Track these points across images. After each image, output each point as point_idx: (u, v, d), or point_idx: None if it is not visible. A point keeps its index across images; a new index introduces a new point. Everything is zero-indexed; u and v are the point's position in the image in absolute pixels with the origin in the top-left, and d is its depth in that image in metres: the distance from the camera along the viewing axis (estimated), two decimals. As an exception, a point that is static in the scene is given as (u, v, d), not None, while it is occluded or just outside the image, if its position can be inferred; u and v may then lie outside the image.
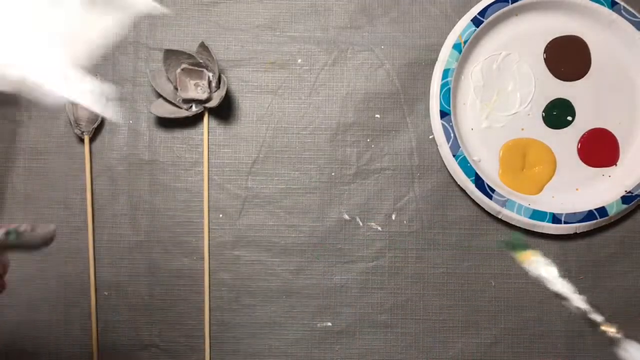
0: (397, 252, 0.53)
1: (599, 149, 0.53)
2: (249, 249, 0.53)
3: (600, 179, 0.53)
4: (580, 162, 0.53)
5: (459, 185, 0.53)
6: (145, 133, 0.54)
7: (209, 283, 0.52)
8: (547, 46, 0.54)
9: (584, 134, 0.53)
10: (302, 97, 0.54)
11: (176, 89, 0.53)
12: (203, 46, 0.51)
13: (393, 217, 0.53)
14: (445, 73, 0.52)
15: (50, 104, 0.38)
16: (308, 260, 0.53)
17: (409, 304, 0.53)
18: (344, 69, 0.54)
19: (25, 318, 0.52)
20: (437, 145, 0.53)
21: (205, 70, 0.52)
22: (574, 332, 0.52)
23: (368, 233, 0.53)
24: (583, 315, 0.33)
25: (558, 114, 0.54)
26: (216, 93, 0.52)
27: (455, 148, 0.52)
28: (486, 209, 0.52)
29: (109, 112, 0.41)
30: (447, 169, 0.53)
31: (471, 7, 0.54)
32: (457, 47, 0.52)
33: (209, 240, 0.53)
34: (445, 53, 0.53)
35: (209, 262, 0.53)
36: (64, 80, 0.38)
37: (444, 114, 0.52)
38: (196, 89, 0.53)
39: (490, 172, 0.53)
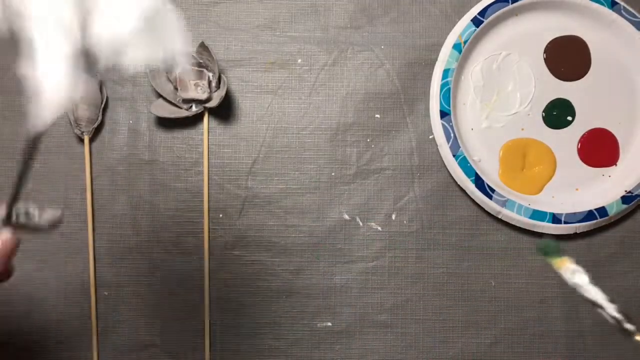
0: (397, 252, 0.53)
1: (599, 149, 0.53)
2: (249, 249, 0.53)
3: (600, 179, 0.53)
4: (580, 162, 0.53)
5: (459, 185, 0.53)
6: (145, 133, 0.54)
7: (209, 283, 0.52)
8: (547, 46, 0.54)
9: (584, 134, 0.53)
10: (302, 97, 0.54)
11: (176, 89, 0.53)
12: (203, 46, 0.51)
13: (393, 217, 0.53)
14: (445, 73, 0.52)
15: None
16: (308, 260, 0.53)
17: (409, 304, 0.53)
18: (344, 69, 0.54)
19: (25, 318, 0.52)
20: (437, 145, 0.53)
21: (205, 70, 0.52)
22: (574, 332, 0.52)
23: (368, 233, 0.53)
24: (618, 324, 0.33)
25: (558, 114, 0.54)
26: (216, 93, 0.52)
27: (455, 148, 0.52)
28: (486, 209, 0.52)
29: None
30: (447, 169, 0.53)
31: (471, 7, 0.54)
32: (457, 47, 0.52)
33: (209, 240, 0.53)
34: (445, 53, 0.53)
35: (209, 262, 0.53)
36: None
37: (444, 114, 0.52)
38: (196, 89, 0.53)
39: (490, 172, 0.53)
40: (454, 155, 0.52)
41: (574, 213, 0.51)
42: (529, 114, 0.53)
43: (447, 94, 0.52)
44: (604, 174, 0.53)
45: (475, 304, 0.53)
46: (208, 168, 0.53)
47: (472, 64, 0.54)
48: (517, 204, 0.51)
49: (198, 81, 0.53)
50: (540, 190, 0.53)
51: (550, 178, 0.53)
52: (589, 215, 0.51)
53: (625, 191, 0.52)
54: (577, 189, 0.53)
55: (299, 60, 0.54)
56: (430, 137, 0.54)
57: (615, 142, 0.54)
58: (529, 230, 0.52)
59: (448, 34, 0.54)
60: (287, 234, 0.53)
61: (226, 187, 0.53)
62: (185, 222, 0.53)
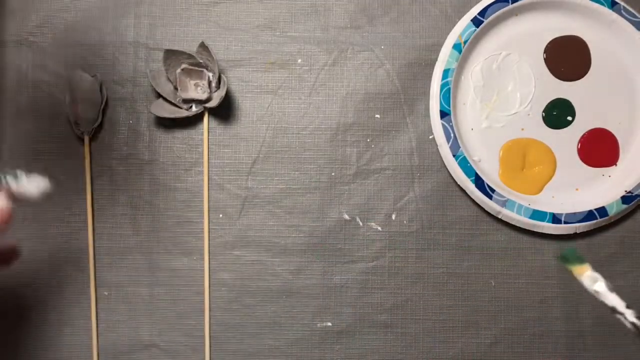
0: (397, 252, 0.53)
1: (599, 149, 0.53)
2: (249, 249, 0.53)
3: (600, 179, 0.53)
4: (580, 162, 0.53)
5: (459, 185, 0.53)
6: (145, 133, 0.54)
7: (209, 283, 0.52)
8: (547, 46, 0.54)
9: (584, 134, 0.53)
10: (302, 97, 0.54)
11: (176, 89, 0.53)
12: (203, 46, 0.51)
13: (393, 217, 0.53)
14: (445, 73, 0.52)
15: None
16: (308, 260, 0.53)
17: (409, 304, 0.53)
18: (344, 69, 0.54)
19: (25, 318, 0.52)
20: (437, 145, 0.53)
21: (205, 70, 0.52)
22: (574, 332, 0.52)
23: (368, 233, 0.53)
24: (636, 329, 0.34)
25: (558, 114, 0.54)
26: (216, 93, 0.52)
27: (455, 148, 0.52)
28: (486, 209, 0.52)
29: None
30: (447, 169, 0.53)
31: (471, 7, 0.54)
32: (457, 47, 0.52)
33: (209, 240, 0.53)
34: (445, 53, 0.53)
35: (209, 262, 0.53)
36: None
37: (444, 114, 0.52)
38: (196, 89, 0.53)
39: (490, 172, 0.53)
40: (454, 155, 0.52)
41: (574, 213, 0.51)
42: (529, 114, 0.53)
43: (447, 94, 0.52)
44: (604, 174, 0.53)
45: (475, 304, 0.53)
46: (208, 168, 0.53)
47: (472, 64, 0.54)
48: (517, 204, 0.51)
49: (198, 81, 0.53)
50: (540, 190, 0.53)
51: (550, 178, 0.53)
52: (589, 215, 0.51)
53: (625, 191, 0.52)
54: (577, 189, 0.53)
55: (299, 60, 0.54)
56: (430, 137, 0.54)
57: (615, 142, 0.54)
58: (529, 230, 0.52)
59: (448, 34, 0.54)
60: (287, 234, 0.53)
61: (226, 187, 0.53)
62: (185, 222, 0.53)
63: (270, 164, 0.54)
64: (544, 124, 0.53)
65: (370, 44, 0.54)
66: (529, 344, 0.52)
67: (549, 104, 0.54)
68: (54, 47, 0.54)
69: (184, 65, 0.52)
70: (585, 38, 0.54)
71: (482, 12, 0.53)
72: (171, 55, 0.52)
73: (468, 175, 0.51)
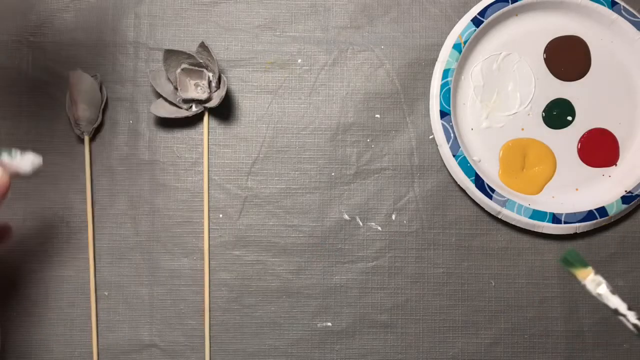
0: (397, 252, 0.53)
1: (599, 149, 0.53)
2: (249, 249, 0.53)
3: (600, 179, 0.53)
4: (580, 162, 0.53)
5: (459, 185, 0.53)
6: (145, 133, 0.54)
7: (209, 283, 0.52)
8: (547, 46, 0.54)
9: (584, 134, 0.53)
10: (302, 97, 0.54)
11: (176, 89, 0.53)
12: (203, 46, 0.51)
13: (393, 217, 0.53)
14: (445, 73, 0.52)
15: None
16: (308, 260, 0.53)
17: (409, 304, 0.53)
18: (344, 69, 0.54)
19: (25, 318, 0.52)
20: (437, 145, 0.53)
21: (205, 70, 0.52)
22: (574, 332, 0.52)
23: (368, 233, 0.53)
24: (638, 331, 0.35)
25: (558, 114, 0.54)
26: (216, 93, 0.52)
27: (455, 148, 0.52)
28: (486, 209, 0.52)
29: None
30: (447, 169, 0.53)
31: (471, 7, 0.54)
32: (457, 47, 0.52)
33: (209, 240, 0.53)
34: (445, 53, 0.53)
35: (209, 262, 0.53)
36: None
37: (444, 114, 0.52)
38: (196, 89, 0.53)
39: (490, 172, 0.53)
40: (454, 155, 0.52)
41: (574, 213, 0.51)
42: (529, 114, 0.53)
43: (447, 94, 0.52)
44: (604, 174, 0.53)
45: (475, 304, 0.53)
46: (208, 168, 0.53)
47: (472, 64, 0.54)
48: (517, 204, 0.51)
49: (198, 81, 0.53)
50: (540, 190, 0.53)
51: (550, 178, 0.53)
52: (589, 215, 0.51)
53: (625, 191, 0.52)
54: (577, 189, 0.53)
55: (299, 60, 0.54)
56: (430, 137, 0.54)
57: (615, 142, 0.54)
58: (529, 230, 0.53)
59: (448, 34, 0.54)
60: (287, 234, 0.53)
61: (226, 187, 0.53)
62: (185, 222, 0.53)
63: (270, 164, 0.54)
64: (544, 124, 0.53)
65: (370, 44, 0.54)
66: (529, 344, 0.52)
67: (549, 104, 0.54)
68: (54, 47, 0.54)
69: (184, 65, 0.52)
70: (585, 38, 0.54)
71: (482, 12, 0.53)
72: (171, 55, 0.52)
73: (468, 175, 0.51)
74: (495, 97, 0.54)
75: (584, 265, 0.37)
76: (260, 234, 0.53)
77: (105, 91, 0.54)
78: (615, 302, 0.36)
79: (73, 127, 0.53)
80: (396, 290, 0.53)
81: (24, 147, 0.53)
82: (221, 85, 0.52)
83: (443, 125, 0.52)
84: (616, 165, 0.53)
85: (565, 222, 0.51)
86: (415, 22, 0.55)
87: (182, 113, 0.52)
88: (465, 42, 0.53)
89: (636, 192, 0.52)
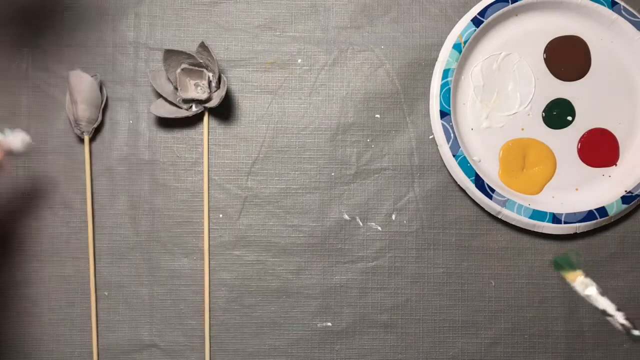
0: (397, 252, 0.53)
1: (599, 149, 0.53)
2: (249, 249, 0.53)
3: (600, 179, 0.53)
4: (580, 162, 0.53)
5: (459, 185, 0.53)
6: (145, 133, 0.54)
7: (209, 283, 0.52)
8: (547, 46, 0.54)
9: (584, 134, 0.53)
10: (302, 97, 0.54)
11: (176, 89, 0.53)
12: (203, 46, 0.51)
13: (393, 217, 0.53)
14: (445, 73, 0.52)
15: None
16: (308, 260, 0.53)
17: (409, 304, 0.53)
18: (344, 69, 0.54)
19: (25, 318, 0.52)
20: (437, 145, 0.53)
21: (205, 70, 0.52)
22: (574, 332, 0.52)
23: (368, 233, 0.53)
24: (626, 331, 0.35)
25: (558, 114, 0.54)
26: (216, 93, 0.52)
27: (455, 148, 0.52)
28: (486, 209, 0.52)
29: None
30: (447, 169, 0.53)
31: (471, 7, 0.54)
32: (457, 47, 0.52)
33: (209, 240, 0.53)
34: (445, 53, 0.53)
35: (209, 262, 0.53)
36: None
37: (444, 114, 0.52)
38: (196, 89, 0.53)
39: (490, 172, 0.53)
40: (454, 155, 0.52)
41: (574, 213, 0.51)
42: (529, 114, 0.53)
43: (447, 94, 0.52)
44: (604, 174, 0.53)
45: (475, 304, 0.53)
46: (208, 168, 0.53)
47: (472, 64, 0.54)
48: (517, 204, 0.51)
49: (198, 81, 0.53)
50: (540, 190, 0.53)
51: (550, 178, 0.53)
52: (589, 215, 0.51)
53: (625, 191, 0.52)
54: (577, 189, 0.53)
55: (299, 60, 0.54)
56: (430, 137, 0.54)
57: (615, 142, 0.54)
58: (529, 230, 0.53)
59: (448, 34, 0.54)
60: (287, 234, 0.53)
61: (226, 187, 0.53)
62: (185, 222, 0.53)
63: (270, 164, 0.54)
64: (544, 124, 0.53)
65: (370, 44, 0.54)
66: (529, 344, 0.52)
67: (549, 104, 0.54)
68: (54, 47, 0.54)
69: (184, 65, 0.52)
70: (585, 38, 0.54)
71: (482, 12, 0.53)
72: (171, 55, 0.52)
73: (468, 175, 0.51)
74: (495, 97, 0.54)
75: (574, 268, 0.38)
76: (260, 234, 0.53)
77: (105, 91, 0.54)
78: (603, 303, 0.36)
79: (73, 127, 0.53)
80: (396, 290, 0.53)
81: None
82: (221, 85, 0.52)
83: (443, 125, 0.52)
84: (616, 165, 0.53)
85: (565, 222, 0.51)
86: (415, 22, 0.55)
87: (182, 113, 0.52)
88: (465, 42, 0.53)
89: (636, 192, 0.52)
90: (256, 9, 0.55)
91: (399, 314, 0.53)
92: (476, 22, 0.52)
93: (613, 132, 0.53)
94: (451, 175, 0.53)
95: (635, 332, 0.36)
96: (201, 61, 0.52)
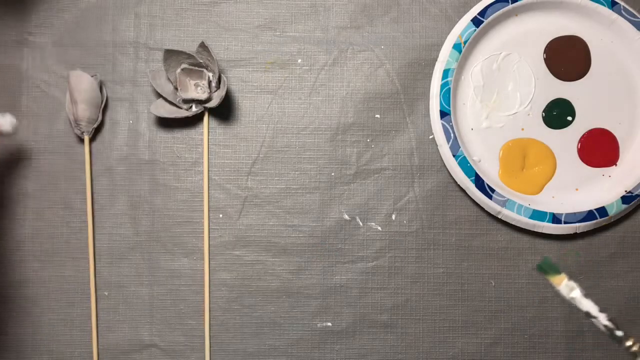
0: (397, 252, 0.53)
1: (599, 149, 0.53)
2: (249, 249, 0.53)
3: (600, 179, 0.53)
4: (580, 162, 0.53)
5: (459, 185, 0.53)
6: (145, 133, 0.54)
7: (209, 283, 0.52)
8: (547, 46, 0.54)
9: (584, 134, 0.53)
10: (302, 97, 0.54)
11: (176, 89, 0.53)
12: (203, 46, 0.51)
13: (393, 217, 0.53)
14: (445, 73, 0.52)
15: None
16: (308, 260, 0.53)
17: (409, 304, 0.53)
18: (344, 69, 0.54)
19: (25, 318, 0.52)
20: (437, 145, 0.53)
21: (205, 70, 0.52)
22: (574, 332, 0.52)
23: (368, 233, 0.53)
24: (609, 332, 0.36)
25: (558, 114, 0.54)
26: (216, 93, 0.52)
27: (455, 148, 0.52)
28: (486, 209, 0.52)
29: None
30: (447, 169, 0.53)
31: (471, 7, 0.54)
32: (457, 47, 0.52)
33: (209, 240, 0.53)
34: (445, 53, 0.53)
35: (209, 262, 0.53)
36: None
37: (444, 114, 0.52)
38: (196, 89, 0.53)
39: (490, 172, 0.53)
40: (454, 155, 0.52)
41: (574, 213, 0.51)
42: (529, 114, 0.53)
43: (447, 94, 0.52)
44: (604, 174, 0.53)
45: (475, 303, 0.53)
46: (208, 168, 0.53)
47: (472, 64, 0.54)
48: (517, 204, 0.51)
49: (198, 81, 0.53)
50: (540, 190, 0.53)
51: (550, 178, 0.53)
52: (589, 215, 0.51)
53: (625, 191, 0.52)
54: (577, 189, 0.53)
55: (299, 60, 0.54)
56: (430, 137, 0.54)
57: (615, 142, 0.54)
58: (529, 230, 0.53)
59: (448, 34, 0.54)
60: (287, 234, 0.53)
61: (226, 187, 0.53)
62: (185, 222, 0.53)
63: (270, 164, 0.54)
64: (544, 124, 0.53)
65: (370, 44, 0.54)
66: (529, 344, 0.52)
67: (549, 104, 0.54)
68: (54, 47, 0.54)
69: (184, 65, 0.52)
70: (585, 38, 0.54)
71: (482, 12, 0.53)
72: (171, 55, 0.52)
73: (468, 175, 0.51)
74: (495, 97, 0.54)
75: (558, 272, 0.39)
76: (260, 234, 0.53)
77: (105, 91, 0.54)
78: (587, 305, 0.37)
79: (73, 127, 0.53)
80: (396, 290, 0.53)
81: (24, 146, 0.53)
82: (221, 85, 0.52)
83: (443, 125, 0.52)
84: (616, 165, 0.53)
85: (565, 222, 0.51)
86: (415, 22, 0.55)
87: (182, 113, 0.52)
88: (465, 42, 0.53)
89: (636, 192, 0.52)
90: (256, 9, 0.55)
91: (399, 314, 0.53)
92: (476, 22, 0.52)
93: (613, 132, 0.53)
94: (451, 175, 0.53)
95: (618, 333, 0.36)
96: (201, 61, 0.52)
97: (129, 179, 0.53)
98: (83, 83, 0.52)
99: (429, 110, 0.53)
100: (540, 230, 0.52)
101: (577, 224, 0.51)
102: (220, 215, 0.53)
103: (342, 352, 0.52)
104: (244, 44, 0.55)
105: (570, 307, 0.52)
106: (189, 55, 0.52)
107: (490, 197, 0.51)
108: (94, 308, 0.52)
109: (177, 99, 0.52)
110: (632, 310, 0.53)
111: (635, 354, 0.36)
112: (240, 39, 0.55)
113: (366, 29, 0.55)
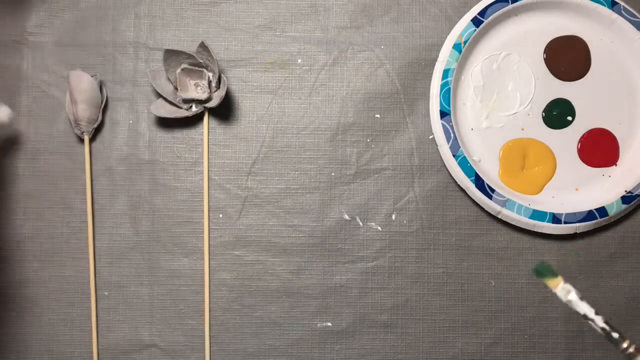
0: (397, 252, 0.53)
1: (599, 149, 0.53)
2: (249, 249, 0.53)
3: (600, 179, 0.53)
4: (580, 162, 0.53)
5: (459, 185, 0.53)
6: (145, 133, 0.54)
7: (209, 283, 0.52)
8: (547, 46, 0.54)
9: (584, 134, 0.53)
10: (302, 97, 0.54)
11: (176, 89, 0.53)
12: (203, 46, 0.51)
13: (393, 217, 0.53)
14: (445, 73, 0.52)
15: None
16: (308, 260, 0.53)
17: (409, 304, 0.53)
18: (344, 69, 0.54)
19: (25, 318, 0.52)
20: (437, 145, 0.53)
21: (205, 70, 0.52)
22: (574, 332, 0.52)
23: (368, 233, 0.53)
24: (606, 334, 0.37)
25: (558, 114, 0.54)
26: (216, 93, 0.52)
27: (455, 148, 0.52)
28: (486, 209, 0.52)
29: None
30: (447, 169, 0.53)
31: (471, 7, 0.54)
32: (457, 47, 0.52)
33: (209, 240, 0.53)
34: (445, 53, 0.53)
35: (209, 262, 0.53)
36: None
37: (444, 114, 0.52)
38: (196, 89, 0.53)
39: (490, 172, 0.53)
40: (454, 155, 0.52)
41: (574, 213, 0.51)
42: (529, 114, 0.53)
43: (447, 94, 0.52)
44: (604, 174, 0.53)
45: (475, 304, 0.53)
46: (208, 168, 0.53)
47: (472, 64, 0.54)
48: (517, 204, 0.51)
49: (198, 81, 0.53)
50: (540, 190, 0.53)
51: (550, 178, 0.53)
52: (589, 215, 0.51)
53: (625, 191, 0.52)
54: (577, 189, 0.53)
55: (299, 60, 0.54)
56: (430, 137, 0.54)
57: (615, 142, 0.54)
58: (529, 230, 0.53)
59: (448, 34, 0.54)
60: (287, 234, 0.53)
61: (226, 187, 0.53)
62: (185, 222, 0.53)
63: (270, 164, 0.54)
64: (544, 124, 0.53)
65: (370, 44, 0.54)
66: (529, 344, 0.52)
67: (549, 104, 0.54)
68: (54, 47, 0.54)
69: (184, 65, 0.52)
70: (585, 38, 0.54)
71: (482, 12, 0.53)
72: (171, 55, 0.52)
73: (468, 175, 0.51)
74: (495, 97, 0.54)
75: (554, 275, 0.39)
76: (260, 234, 0.53)
77: (105, 91, 0.54)
78: (584, 308, 0.38)
79: (73, 127, 0.53)
80: (396, 290, 0.53)
81: (24, 148, 0.53)
82: (221, 85, 0.52)
83: (443, 125, 0.52)
84: (616, 165, 0.53)
85: (565, 222, 0.51)
86: (415, 22, 0.55)
87: (182, 113, 0.52)
88: (465, 42, 0.53)
89: (636, 192, 0.52)
90: (256, 9, 0.55)
91: (399, 314, 0.53)
92: (476, 22, 0.52)
93: (613, 132, 0.53)
94: (451, 175, 0.53)
95: (615, 335, 0.37)
96: (201, 61, 0.52)
97: (129, 179, 0.53)
98: (83, 83, 0.52)
99: (429, 110, 0.53)
100: (540, 230, 0.52)
101: (577, 224, 0.51)
102: (220, 215, 0.53)
103: (342, 352, 0.52)
104: (244, 44, 0.55)
105: (569, 307, 0.52)
106: (189, 55, 0.52)
107: (490, 197, 0.51)
108: (94, 308, 0.52)
109: (177, 99, 0.52)
110: (632, 311, 0.53)
111: (631, 356, 0.37)
112: (240, 39, 0.55)
113: (366, 29, 0.55)
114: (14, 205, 0.53)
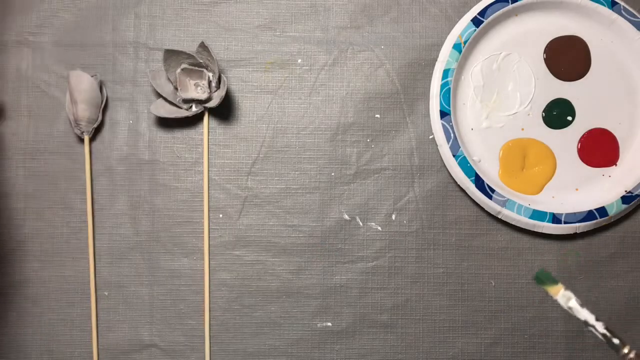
0: (397, 252, 0.53)
1: (599, 149, 0.53)
2: (249, 249, 0.53)
3: (600, 179, 0.53)
4: (580, 162, 0.53)
5: (459, 185, 0.53)
6: (145, 133, 0.54)
7: (209, 283, 0.52)
8: (547, 46, 0.54)
9: (584, 134, 0.53)
10: (302, 97, 0.54)
11: (176, 89, 0.53)
12: (203, 46, 0.51)
13: (393, 217, 0.53)
14: (445, 73, 0.52)
15: None
16: (308, 260, 0.53)
17: (409, 304, 0.53)
18: (344, 69, 0.54)
19: (25, 318, 0.52)
20: (437, 145, 0.53)
21: (205, 70, 0.52)
22: (574, 332, 0.52)
23: (368, 233, 0.53)
24: (607, 340, 0.37)
25: (558, 114, 0.54)
26: (216, 93, 0.52)
27: (455, 148, 0.52)
28: (486, 209, 0.52)
29: None
30: (447, 169, 0.53)
31: (471, 7, 0.54)
32: (457, 47, 0.52)
33: (209, 240, 0.53)
34: (445, 53, 0.53)
35: (209, 262, 0.53)
36: None
37: (444, 114, 0.52)
38: (196, 89, 0.53)
39: (490, 172, 0.53)
40: (454, 155, 0.52)
41: (574, 213, 0.51)
42: (529, 114, 0.53)
43: (447, 94, 0.52)
44: (604, 174, 0.53)
45: (475, 303, 0.53)
46: (208, 168, 0.53)
47: (472, 64, 0.54)
48: (517, 204, 0.51)
49: (198, 81, 0.53)
50: (540, 190, 0.53)
51: (550, 178, 0.53)
52: (589, 215, 0.51)
53: (625, 191, 0.52)
54: (577, 189, 0.53)
55: (299, 60, 0.54)
56: (430, 137, 0.54)
57: (615, 142, 0.54)
58: (529, 230, 0.53)
59: (448, 34, 0.54)
60: (287, 234, 0.53)
61: (226, 187, 0.53)
62: (185, 222, 0.53)
63: (270, 164, 0.54)
64: (544, 124, 0.53)
65: (370, 44, 0.54)
66: (529, 344, 0.52)
67: (549, 104, 0.54)
68: (54, 47, 0.54)
69: (184, 65, 0.52)
70: (585, 38, 0.54)
71: (482, 12, 0.53)
72: (171, 55, 0.52)
73: (468, 175, 0.51)
74: (495, 97, 0.54)
75: (555, 282, 0.40)
76: (260, 234, 0.53)
77: (105, 91, 0.54)
78: (584, 314, 0.39)
79: (73, 127, 0.53)
80: (396, 290, 0.53)
81: (24, 148, 0.53)
82: (221, 85, 0.52)
83: (443, 125, 0.52)
84: (616, 165, 0.53)
85: (565, 222, 0.51)
86: (415, 22, 0.55)
87: (182, 113, 0.52)
88: (465, 42, 0.53)
89: (636, 192, 0.52)
90: (256, 9, 0.55)
91: (399, 314, 0.53)
92: (476, 22, 0.52)
93: (613, 132, 0.53)
94: (451, 175, 0.53)
95: (616, 341, 0.37)
96: (201, 61, 0.52)
97: (129, 179, 0.53)
98: (83, 83, 0.52)
99: (429, 110, 0.53)
100: (540, 230, 0.52)
101: (577, 224, 0.51)
102: (220, 215, 0.53)
103: (342, 352, 0.52)
104: (244, 44, 0.55)
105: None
106: (189, 55, 0.52)
107: (490, 197, 0.51)
108: (94, 308, 0.52)
109: (177, 99, 0.52)
110: (632, 311, 0.53)
111: None
112: (240, 39, 0.55)
113: (366, 29, 0.55)
114: (14, 205, 0.53)
